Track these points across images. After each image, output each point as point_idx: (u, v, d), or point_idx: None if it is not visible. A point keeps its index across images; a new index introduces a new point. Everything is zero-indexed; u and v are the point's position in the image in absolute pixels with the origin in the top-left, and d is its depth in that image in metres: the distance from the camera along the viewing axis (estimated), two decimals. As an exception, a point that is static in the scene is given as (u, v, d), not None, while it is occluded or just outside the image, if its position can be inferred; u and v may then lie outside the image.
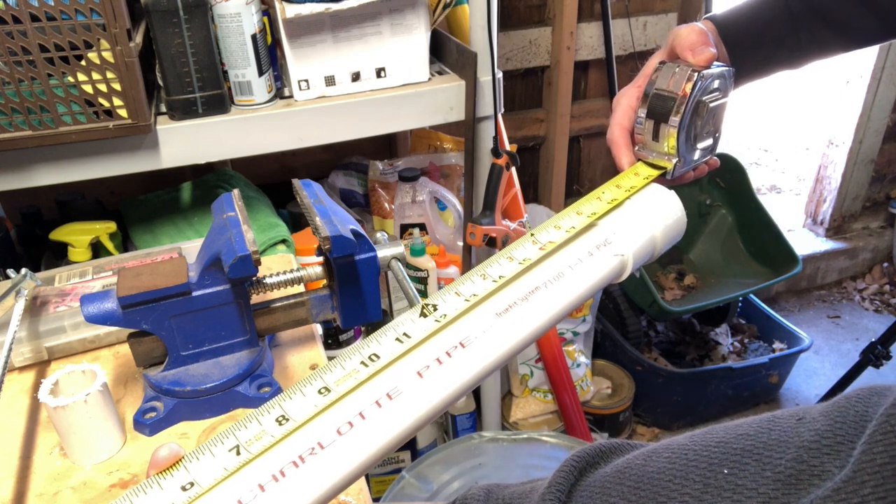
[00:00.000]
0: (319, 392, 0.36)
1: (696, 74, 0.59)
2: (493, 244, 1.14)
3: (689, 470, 0.30)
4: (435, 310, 0.41)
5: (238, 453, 0.33)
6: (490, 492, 0.36)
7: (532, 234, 0.48)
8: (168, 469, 0.32)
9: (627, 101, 0.64)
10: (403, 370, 0.38)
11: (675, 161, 0.60)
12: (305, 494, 0.33)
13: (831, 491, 0.25)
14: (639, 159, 0.62)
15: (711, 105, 0.61)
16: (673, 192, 0.56)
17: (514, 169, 1.23)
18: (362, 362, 0.37)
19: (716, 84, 0.61)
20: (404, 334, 0.39)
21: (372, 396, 0.36)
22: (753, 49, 0.66)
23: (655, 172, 0.60)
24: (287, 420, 0.34)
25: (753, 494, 0.27)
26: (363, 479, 0.62)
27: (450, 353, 0.39)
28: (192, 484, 0.32)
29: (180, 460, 0.33)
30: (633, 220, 0.53)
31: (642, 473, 0.31)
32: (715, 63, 0.60)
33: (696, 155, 0.64)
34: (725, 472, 0.29)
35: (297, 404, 0.35)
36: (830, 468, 0.26)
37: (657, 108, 0.60)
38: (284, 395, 0.36)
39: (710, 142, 0.65)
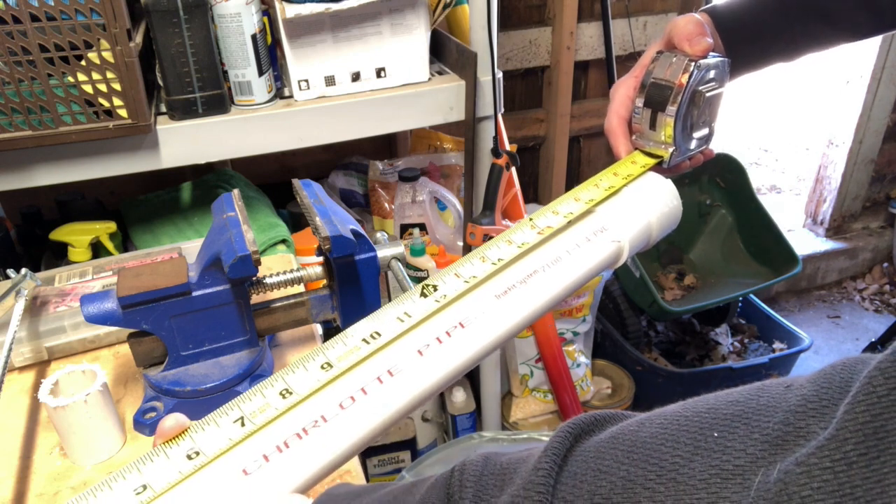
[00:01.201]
0: (322, 367, 0.37)
1: (692, 64, 0.59)
2: (493, 244, 1.14)
3: (681, 434, 0.31)
4: (435, 290, 0.42)
5: (242, 424, 0.34)
6: (488, 458, 0.37)
7: (531, 219, 0.49)
8: (174, 439, 0.33)
9: (625, 91, 0.64)
10: (404, 348, 0.39)
11: (671, 150, 0.61)
12: (309, 465, 0.34)
13: (815, 448, 0.26)
14: (636, 148, 0.63)
15: (708, 95, 0.61)
16: (669, 181, 0.57)
17: (514, 169, 1.23)
18: (364, 339, 0.38)
19: (712, 74, 0.62)
20: (405, 313, 0.40)
21: (373, 373, 0.37)
22: (749, 41, 0.66)
23: (652, 161, 0.60)
24: (290, 393, 0.35)
25: (742, 455, 0.28)
26: (363, 478, 0.62)
27: (449, 333, 0.40)
28: (197, 453, 0.33)
29: (186, 430, 0.33)
30: (630, 207, 0.53)
31: (635, 439, 0.32)
32: (711, 53, 0.61)
33: (693, 144, 0.64)
34: (715, 435, 0.30)
35: (299, 378, 0.36)
36: (815, 429, 0.27)
37: (654, 97, 0.61)
38: (288, 370, 0.36)
39: (705, 131, 0.65)
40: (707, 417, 0.31)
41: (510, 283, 0.44)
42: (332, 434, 0.34)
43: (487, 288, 0.43)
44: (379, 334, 0.39)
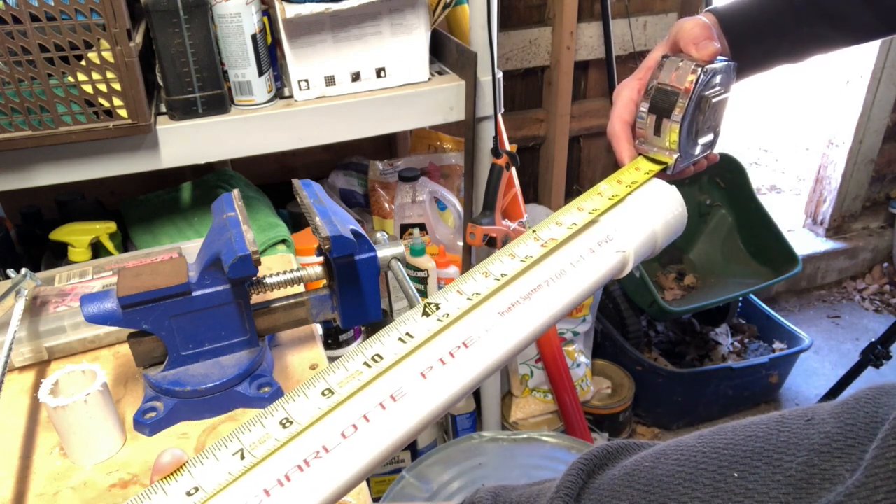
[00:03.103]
0: (323, 394, 0.35)
1: (699, 69, 0.58)
2: (493, 244, 1.14)
3: (699, 473, 0.29)
4: (437, 309, 0.40)
5: (242, 457, 0.33)
6: (497, 495, 0.36)
7: (534, 231, 0.47)
8: (172, 474, 0.32)
9: (629, 94, 0.63)
10: (407, 371, 0.37)
11: (676, 156, 0.60)
12: (311, 499, 0.32)
13: (843, 496, 0.25)
14: (639, 153, 0.62)
15: (714, 100, 0.61)
16: (674, 188, 0.56)
17: (514, 169, 1.23)
18: (365, 363, 0.37)
19: (718, 79, 0.61)
20: (407, 334, 0.39)
21: (376, 398, 0.36)
22: (755, 43, 0.65)
23: (656, 167, 0.59)
24: (291, 423, 0.34)
25: (765, 499, 0.27)
26: (366, 487, 0.62)
27: (453, 354, 0.39)
28: (196, 489, 0.31)
29: (184, 465, 0.32)
30: (635, 216, 0.52)
31: (651, 476, 0.31)
32: (718, 57, 0.60)
33: (697, 150, 0.63)
34: (735, 475, 0.28)
35: (300, 407, 0.35)
36: (841, 472, 0.26)
37: (660, 102, 0.60)
38: (288, 398, 0.35)
39: (710, 137, 0.64)
40: (726, 454, 0.29)
41: (514, 299, 0.42)
42: (335, 465, 0.33)
43: (491, 305, 0.42)
44: (381, 357, 0.37)
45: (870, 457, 0.25)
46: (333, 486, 0.33)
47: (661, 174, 0.59)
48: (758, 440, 0.29)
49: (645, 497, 0.30)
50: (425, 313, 0.40)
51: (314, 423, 0.34)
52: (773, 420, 0.30)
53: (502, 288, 0.43)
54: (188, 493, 0.31)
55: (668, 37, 0.63)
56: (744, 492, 0.28)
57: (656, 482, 0.30)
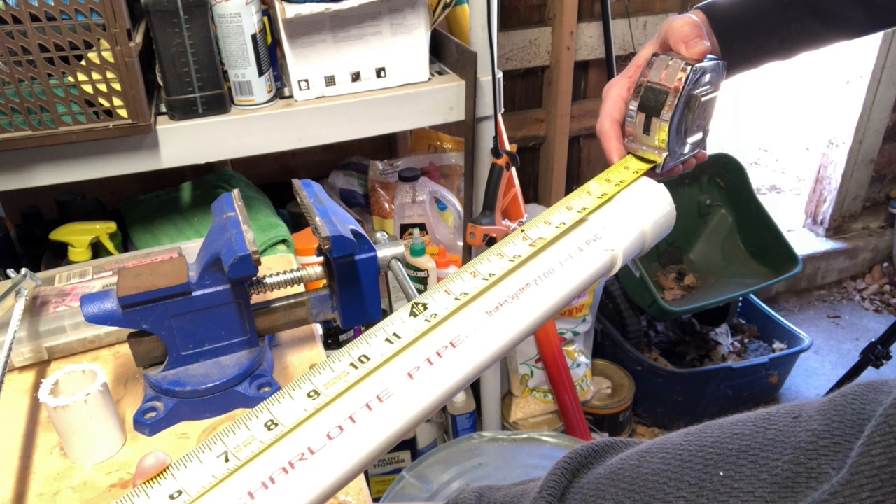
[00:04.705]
0: (309, 395, 0.35)
1: (689, 68, 0.58)
2: (493, 244, 1.14)
3: (684, 472, 0.29)
4: (425, 309, 0.40)
5: (227, 460, 0.32)
6: (482, 495, 0.36)
7: (522, 231, 0.47)
8: (155, 478, 0.32)
9: (618, 92, 0.63)
10: (394, 372, 0.37)
11: (665, 155, 0.60)
12: (295, 501, 0.32)
13: (828, 494, 0.25)
14: (629, 152, 0.62)
15: (703, 99, 0.60)
16: (662, 186, 0.56)
17: (514, 169, 1.23)
18: (352, 364, 0.37)
19: (707, 77, 0.61)
20: (394, 335, 0.39)
21: (362, 399, 0.36)
22: (745, 40, 0.65)
23: (645, 166, 0.59)
24: (276, 425, 0.34)
25: (750, 498, 0.27)
26: (363, 479, 0.62)
27: (440, 354, 0.38)
28: (180, 492, 0.31)
29: (167, 468, 0.32)
30: (624, 214, 0.52)
31: (636, 475, 0.31)
32: (707, 56, 0.60)
33: (686, 149, 0.63)
34: (721, 474, 0.28)
35: (286, 408, 0.35)
36: (828, 470, 0.26)
37: (649, 101, 0.59)
38: (273, 399, 0.35)
39: (699, 136, 0.64)
40: (712, 453, 0.29)
41: (502, 298, 0.42)
42: (320, 467, 0.33)
43: (479, 304, 0.42)
44: (367, 358, 0.37)
45: (855, 454, 0.25)
46: (318, 487, 0.33)
47: (650, 173, 0.59)
48: (744, 438, 0.29)
49: (630, 496, 0.30)
50: (413, 314, 0.40)
51: (299, 424, 0.34)
52: (760, 417, 0.30)
53: (490, 287, 0.43)
54: (171, 497, 0.31)
55: (657, 35, 0.62)
56: (729, 491, 0.27)
57: (641, 481, 0.30)
